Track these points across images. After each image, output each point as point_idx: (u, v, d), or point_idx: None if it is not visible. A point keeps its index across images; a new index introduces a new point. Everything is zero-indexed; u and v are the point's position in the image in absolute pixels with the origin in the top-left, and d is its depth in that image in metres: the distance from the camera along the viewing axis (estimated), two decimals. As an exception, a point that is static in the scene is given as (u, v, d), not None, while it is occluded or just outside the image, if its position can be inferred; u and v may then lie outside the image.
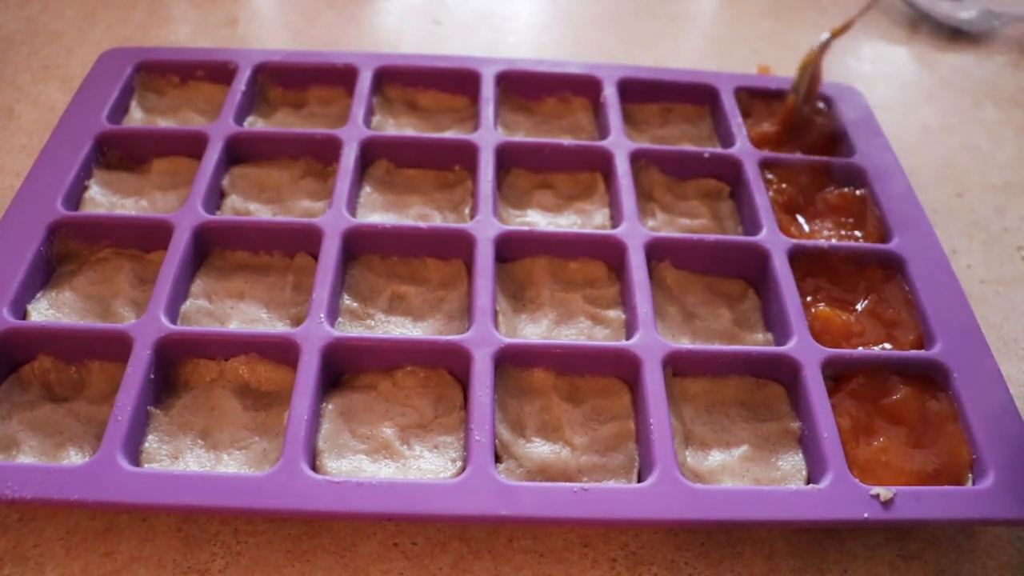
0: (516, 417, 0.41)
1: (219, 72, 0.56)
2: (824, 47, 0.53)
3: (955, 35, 0.72)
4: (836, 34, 0.53)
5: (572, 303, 0.45)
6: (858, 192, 0.51)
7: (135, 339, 0.40)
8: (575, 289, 0.46)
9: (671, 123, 0.57)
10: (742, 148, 0.53)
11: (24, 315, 0.42)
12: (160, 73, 0.56)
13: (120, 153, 0.51)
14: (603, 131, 0.54)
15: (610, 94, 0.55)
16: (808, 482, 0.38)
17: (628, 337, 0.43)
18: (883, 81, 0.67)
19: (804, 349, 0.42)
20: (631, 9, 0.74)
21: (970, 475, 0.38)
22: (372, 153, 0.52)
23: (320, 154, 0.51)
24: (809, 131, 0.55)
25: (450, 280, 0.46)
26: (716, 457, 0.40)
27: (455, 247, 0.47)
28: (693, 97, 0.58)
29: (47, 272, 0.45)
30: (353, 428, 0.39)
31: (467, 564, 0.37)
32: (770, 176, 0.51)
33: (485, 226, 0.46)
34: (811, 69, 0.54)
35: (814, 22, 0.73)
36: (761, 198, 0.49)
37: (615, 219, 0.49)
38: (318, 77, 0.56)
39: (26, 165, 0.52)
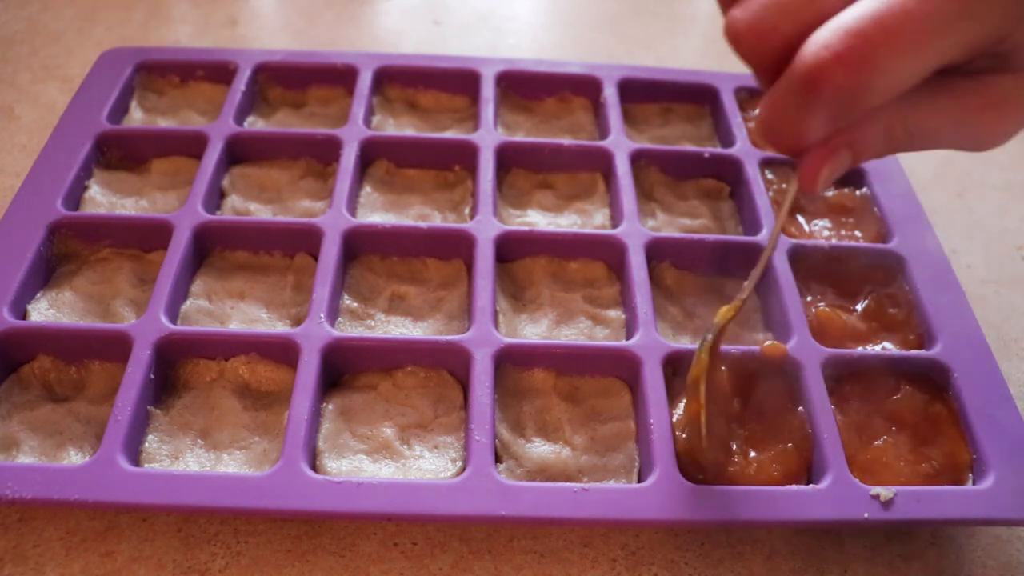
0: (516, 417, 0.41)
1: (219, 72, 0.56)
2: (718, 341, 0.36)
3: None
4: (728, 319, 0.36)
5: (572, 303, 0.45)
6: (858, 192, 0.51)
7: (135, 339, 0.40)
8: (575, 289, 0.46)
9: (671, 123, 0.57)
10: (742, 148, 0.53)
11: (24, 315, 0.42)
12: (160, 73, 0.56)
13: (120, 153, 0.51)
14: (603, 131, 0.54)
15: (610, 94, 0.55)
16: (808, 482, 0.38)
17: (628, 337, 0.43)
18: (883, 81, 0.67)
19: (804, 349, 0.42)
20: (631, 9, 0.74)
21: (970, 475, 0.38)
22: (372, 153, 0.52)
23: (320, 154, 0.51)
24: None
25: (450, 280, 0.46)
26: (716, 457, 0.39)
27: (455, 247, 0.47)
28: (693, 97, 0.58)
29: (47, 272, 0.45)
30: (353, 428, 0.39)
31: (467, 564, 0.37)
32: (770, 176, 0.51)
33: (485, 226, 0.46)
34: (705, 383, 0.36)
35: (814, 22, 0.73)
36: (761, 198, 0.49)
37: (615, 219, 0.49)
38: (318, 77, 0.56)
39: (26, 165, 0.52)
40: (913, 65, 0.26)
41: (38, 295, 0.43)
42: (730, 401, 0.40)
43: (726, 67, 0.65)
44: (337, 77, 0.56)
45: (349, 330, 0.43)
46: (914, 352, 0.43)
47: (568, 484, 0.36)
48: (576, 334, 0.44)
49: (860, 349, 0.43)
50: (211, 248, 0.47)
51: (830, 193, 0.51)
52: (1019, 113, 0.29)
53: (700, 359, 0.36)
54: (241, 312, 0.44)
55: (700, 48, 0.70)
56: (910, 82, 0.27)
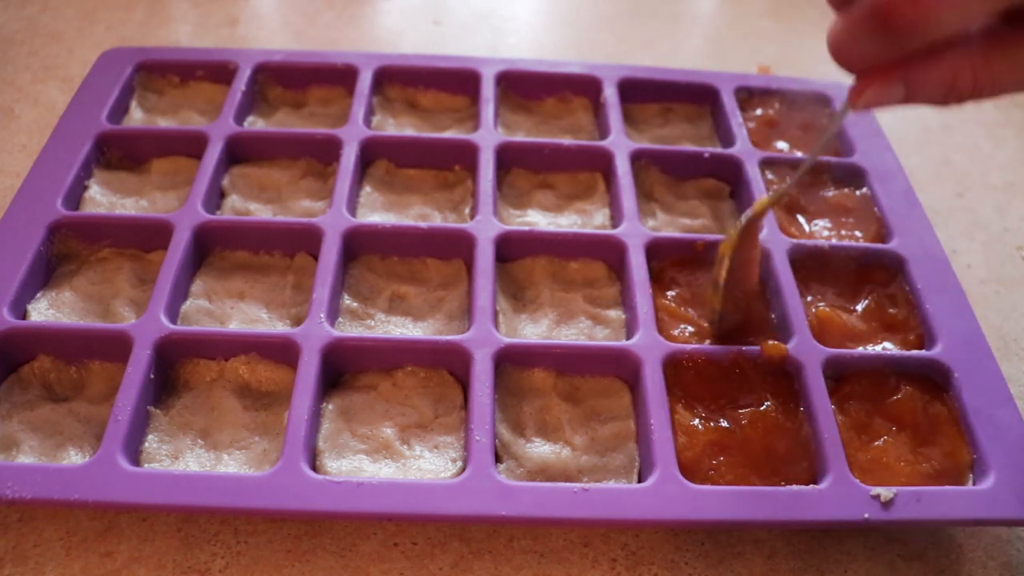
0: (516, 417, 0.41)
1: (219, 72, 0.56)
2: (751, 226, 0.40)
3: (955, 35, 0.72)
4: (766, 207, 0.40)
5: (572, 303, 0.45)
6: (858, 192, 0.51)
7: (135, 339, 0.40)
8: (575, 289, 0.46)
9: (671, 123, 0.57)
10: (742, 148, 0.53)
11: (24, 315, 0.42)
12: (160, 73, 0.56)
13: (120, 153, 0.51)
14: (603, 131, 0.54)
15: (610, 94, 0.55)
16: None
17: (628, 337, 0.43)
18: (883, 81, 0.67)
19: (805, 349, 0.41)
20: (631, 9, 0.74)
21: (970, 475, 0.38)
22: (372, 153, 0.52)
23: (320, 154, 0.51)
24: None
25: (450, 280, 0.46)
26: (716, 457, 0.40)
27: (455, 247, 0.47)
28: (693, 97, 0.58)
29: (47, 272, 0.45)
30: (353, 428, 0.39)
31: (467, 564, 0.37)
32: (770, 176, 0.51)
33: (485, 226, 0.46)
34: (730, 258, 0.40)
35: (815, 22, 0.73)
36: (761, 198, 0.49)
37: (615, 219, 0.49)
38: (318, 77, 0.56)
39: (26, 165, 0.52)
40: (978, 5, 0.28)
41: (38, 295, 0.43)
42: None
43: (726, 67, 0.65)
44: (337, 77, 0.56)
45: (349, 330, 0.43)
46: (914, 352, 0.43)
47: (568, 484, 0.36)
48: (576, 334, 0.44)
49: (860, 349, 0.43)
50: (211, 248, 0.47)
51: (830, 193, 0.51)
52: None
53: (731, 236, 0.40)
54: (241, 312, 0.44)
55: (700, 48, 0.70)
56: (974, 21, 0.29)
